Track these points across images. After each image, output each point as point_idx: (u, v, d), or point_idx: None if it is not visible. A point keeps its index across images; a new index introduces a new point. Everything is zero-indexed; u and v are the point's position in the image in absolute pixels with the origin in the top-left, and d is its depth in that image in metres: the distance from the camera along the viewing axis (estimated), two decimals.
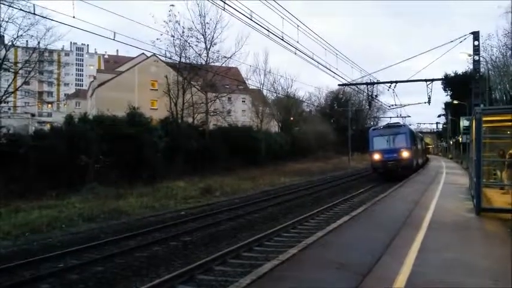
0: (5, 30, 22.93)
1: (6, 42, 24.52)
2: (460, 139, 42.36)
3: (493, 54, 36.83)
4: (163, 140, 26.31)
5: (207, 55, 33.44)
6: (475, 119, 10.91)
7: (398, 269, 6.10)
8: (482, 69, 27.66)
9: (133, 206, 16.55)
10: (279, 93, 53.00)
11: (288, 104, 54.32)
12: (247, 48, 59.96)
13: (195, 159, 28.69)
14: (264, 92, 51.79)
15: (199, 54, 33.22)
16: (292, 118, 55.90)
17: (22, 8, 19.30)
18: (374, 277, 5.86)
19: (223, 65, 35.59)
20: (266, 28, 15.23)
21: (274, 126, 52.88)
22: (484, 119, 10.66)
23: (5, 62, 23.15)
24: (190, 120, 33.78)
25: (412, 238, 8.17)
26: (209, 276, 7.86)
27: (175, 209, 17.06)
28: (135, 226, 13.27)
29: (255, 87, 50.85)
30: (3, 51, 23.58)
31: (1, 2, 19.36)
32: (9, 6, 19.82)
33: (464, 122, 31.98)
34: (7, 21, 21.84)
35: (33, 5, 18.72)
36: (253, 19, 14.28)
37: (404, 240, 8.08)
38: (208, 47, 33.28)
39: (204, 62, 33.58)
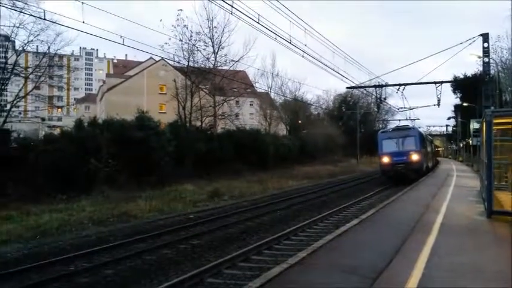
0: (16, 35, 23.28)
1: (17, 47, 24.87)
2: (470, 142, 41.93)
3: (503, 56, 36.44)
4: (171, 143, 26.40)
5: (215, 59, 33.57)
6: (486, 122, 10.80)
7: (409, 273, 6.05)
8: (492, 71, 27.41)
9: (142, 209, 16.62)
10: (286, 96, 53.01)
11: (295, 107, 54.26)
12: (254, 51, 60.33)
13: (203, 162, 28.74)
14: (272, 95, 51.88)
15: (207, 58, 33.37)
16: (300, 121, 55.83)
17: (32, 14, 19.55)
18: (384, 281, 5.82)
19: (231, 68, 35.73)
20: (274, 31, 15.31)
21: (282, 130, 52.85)
22: (495, 121, 10.56)
23: (16, 67, 23.44)
24: (198, 123, 33.90)
25: (422, 242, 8.11)
26: (218, 279, 7.85)
27: (183, 212, 17.10)
28: (145, 229, 13.31)
29: (262, 91, 50.96)
30: (14, 57, 23.90)
31: (12, 8, 19.60)
32: (20, 12, 20.08)
33: (474, 125, 31.66)
34: (18, 27, 22.16)
35: (44, 10, 18.94)
36: (260, 22, 14.36)
37: (415, 243, 8.01)
38: (216, 50, 33.42)
39: (212, 66, 33.71)
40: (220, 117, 35.70)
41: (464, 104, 48.95)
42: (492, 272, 6.29)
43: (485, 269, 6.49)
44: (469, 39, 20.43)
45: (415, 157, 26.79)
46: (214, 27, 33.11)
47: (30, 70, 25.61)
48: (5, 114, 23.71)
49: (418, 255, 7.05)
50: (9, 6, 19.62)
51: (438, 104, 26.68)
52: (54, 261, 9.31)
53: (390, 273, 6.15)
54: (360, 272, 6.26)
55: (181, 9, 31.65)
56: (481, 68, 25.84)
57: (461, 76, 58.32)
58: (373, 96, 37.21)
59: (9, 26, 22.18)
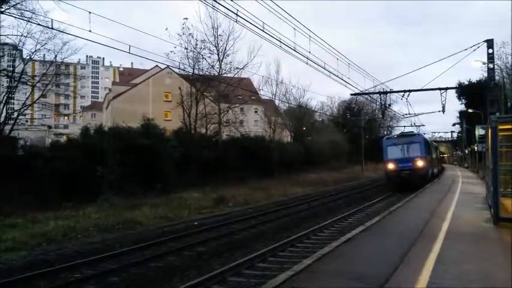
0: (23, 44, 23.52)
1: (24, 56, 25.13)
2: (476, 148, 41.70)
3: (508, 62, 36.37)
4: (177, 150, 26.51)
5: (220, 66, 33.78)
6: (491, 128, 10.76)
7: (415, 280, 6.02)
8: (497, 77, 27.33)
9: (147, 216, 16.67)
10: (291, 103, 53.05)
11: (300, 114, 54.29)
12: (259, 59, 60.12)
13: (208, 169, 28.80)
14: (276, 102, 51.94)
15: (212, 66, 33.60)
16: (304, 128, 55.80)
17: (40, 23, 19.77)
18: None
19: (236, 75, 35.90)
20: (278, 39, 15.39)
21: (286, 136, 52.84)
22: (500, 127, 10.52)
23: (23, 76, 23.67)
24: (203, 130, 34.02)
25: (428, 249, 8.06)
26: (224, 287, 7.85)
27: (189, 219, 17.12)
28: (150, 236, 13.34)
29: (267, 98, 51.00)
30: (22, 65, 24.15)
31: (20, 17, 19.85)
32: (28, 21, 20.32)
33: (479, 131, 31.48)
34: (26, 36, 22.39)
35: (51, 20, 19.04)
36: (265, 30, 14.46)
37: (421, 251, 7.97)
38: (221, 58, 33.64)
39: (216, 73, 33.90)
40: (225, 124, 35.80)
41: (470, 110, 48.76)
42: (499, 280, 6.23)
43: (492, 276, 6.43)
44: (474, 45, 20.43)
45: (420, 163, 26.69)
46: (219, 35, 33.40)
47: (37, 78, 25.83)
48: (12, 122, 23.90)
49: (424, 263, 7.01)
50: (17, 16, 19.87)
51: (443, 110, 26.66)
52: (60, 268, 9.33)
53: (396, 281, 6.12)
54: (366, 279, 6.23)
55: (186, 18, 31.87)
56: (485, 74, 25.80)
57: (466, 82, 58.19)
58: (378, 103, 37.18)
59: (17, 35, 22.44)
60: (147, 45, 15.98)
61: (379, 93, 28.58)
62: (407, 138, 28.34)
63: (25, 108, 24.78)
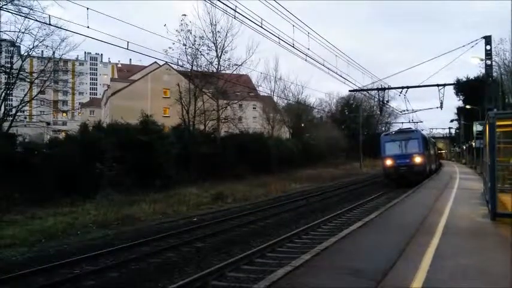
0: (21, 41, 23.42)
1: (22, 52, 25.05)
2: (473, 144, 41.82)
3: (506, 58, 36.35)
4: (175, 147, 26.52)
5: (218, 63, 33.72)
6: (489, 124, 10.81)
7: (413, 275, 6.07)
8: (494, 74, 27.40)
9: (146, 213, 16.72)
10: (289, 100, 53.10)
11: (298, 111, 54.33)
12: (258, 55, 60.04)
13: (207, 165, 28.82)
14: (275, 98, 51.97)
15: (210, 62, 33.55)
16: (303, 124, 55.84)
17: (38, 19, 19.70)
18: (388, 283, 5.84)
19: (234, 72, 35.84)
20: (277, 35, 15.40)
21: (285, 133, 52.89)
22: (498, 123, 10.56)
23: (21, 72, 23.60)
24: (201, 127, 34.02)
25: (426, 244, 8.11)
26: (222, 282, 7.90)
27: (187, 215, 17.17)
28: (149, 232, 13.38)
29: (265, 94, 51.08)
30: (20, 62, 24.06)
31: (18, 13, 19.78)
32: (26, 17, 20.24)
33: (477, 127, 31.56)
34: (23, 33, 22.28)
35: (49, 15, 18.82)
36: (263, 26, 14.46)
37: (419, 246, 8.02)
38: (220, 55, 33.56)
39: (215, 70, 33.85)
40: (223, 120, 35.80)
41: (467, 107, 48.90)
42: (497, 274, 6.29)
43: (489, 271, 6.49)
44: (472, 41, 20.47)
45: (418, 160, 26.77)
46: (218, 31, 33.31)
47: (35, 75, 25.75)
48: (11, 118, 23.85)
49: (422, 257, 7.07)
50: (15, 12, 19.80)
51: (441, 107, 26.66)
52: (59, 264, 9.37)
53: (395, 275, 6.17)
54: (364, 274, 6.28)
55: (185, 15, 31.79)
56: (483, 71, 25.83)
57: (464, 79, 58.28)
58: (376, 99, 37.19)
59: (15, 32, 22.33)
60: (146, 41, 15.97)
61: (378, 89, 28.58)
62: (405, 134, 28.42)
63: (23, 104, 24.69)
